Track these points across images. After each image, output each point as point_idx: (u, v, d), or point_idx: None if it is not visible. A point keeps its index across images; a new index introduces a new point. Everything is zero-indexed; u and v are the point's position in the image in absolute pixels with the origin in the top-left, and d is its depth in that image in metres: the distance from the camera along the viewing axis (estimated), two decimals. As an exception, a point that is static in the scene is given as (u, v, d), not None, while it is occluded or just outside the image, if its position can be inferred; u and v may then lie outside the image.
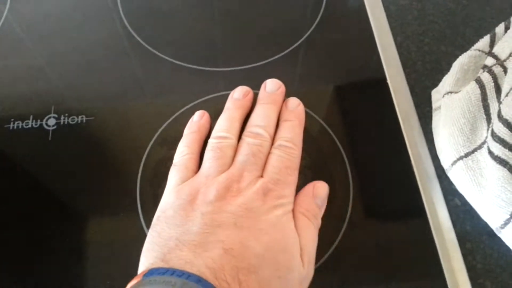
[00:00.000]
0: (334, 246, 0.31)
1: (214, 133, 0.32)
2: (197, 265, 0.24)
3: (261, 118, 0.32)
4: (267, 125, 0.31)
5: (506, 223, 0.30)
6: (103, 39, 0.40)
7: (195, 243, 0.25)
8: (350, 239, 0.32)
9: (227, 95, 0.35)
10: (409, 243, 0.32)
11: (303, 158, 0.32)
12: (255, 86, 0.35)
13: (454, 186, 0.33)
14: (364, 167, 0.34)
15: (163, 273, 0.23)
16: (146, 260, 0.26)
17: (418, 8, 0.41)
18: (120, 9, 0.42)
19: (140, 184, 0.34)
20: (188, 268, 0.24)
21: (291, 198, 0.29)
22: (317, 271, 0.29)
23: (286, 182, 0.29)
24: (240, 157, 0.30)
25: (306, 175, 0.33)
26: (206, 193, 0.28)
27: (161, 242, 0.26)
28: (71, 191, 0.34)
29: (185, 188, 0.29)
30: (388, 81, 0.37)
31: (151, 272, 0.24)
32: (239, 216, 0.26)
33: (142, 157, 0.34)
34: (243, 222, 0.26)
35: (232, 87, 0.35)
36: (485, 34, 0.39)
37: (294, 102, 0.33)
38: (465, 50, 0.39)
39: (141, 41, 0.40)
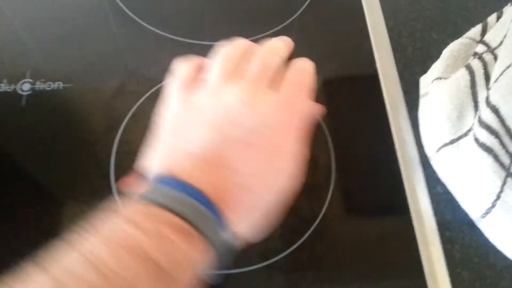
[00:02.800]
0: (313, 227, 0.31)
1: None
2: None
3: (269, 45, 0.29)
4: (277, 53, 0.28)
5: (487, 213, 0.29)
6: (85, 4, 0.39)
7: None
8: (329, 223, 0.31)
9: None
10: (389, 230, 0.31)
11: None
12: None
13: (437, 174, 0.33)
14: (348, 151, 0.34)
15: (173, 187, 0.22)
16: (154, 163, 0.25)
17: (411, -7, 0.41)
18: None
19: (116, 156, 0.32)
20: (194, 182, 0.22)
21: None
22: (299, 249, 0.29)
23: (302, 98, 0.27)
24: (252, 66, 0.27)
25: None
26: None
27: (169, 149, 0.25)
28: (42, 160, 0.32)
29: (191, 96, 0.27)
30: (377, 65, 0.37)
31: (162, 181, 0.23)
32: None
33: (118, 130, 0.33)
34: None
35: None
36: (477, 24, 0.39)
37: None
38: (456, 39, 0.39)
39: (125, 9, 0.39)
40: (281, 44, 0.29)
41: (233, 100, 0.25)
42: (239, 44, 0.29)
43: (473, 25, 0.39)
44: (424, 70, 0.37)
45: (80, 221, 0.19)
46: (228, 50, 0.28)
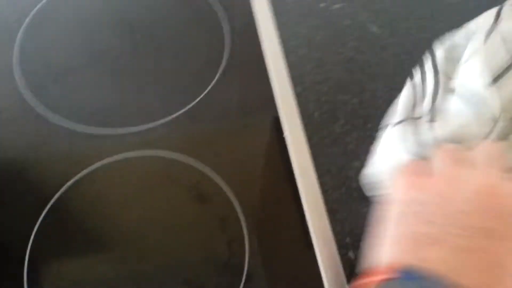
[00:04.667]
0: None
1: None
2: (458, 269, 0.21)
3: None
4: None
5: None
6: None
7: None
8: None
9: (125, 159, 0.35)
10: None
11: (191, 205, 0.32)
12: (154, 146, 0.35)
13: (348, 240, 0.34)
14: (260, 222, 0.34)
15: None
16: (393, 253, 0.23)
17: (316, 57, 0.42)
18: (16, 72, 0.41)
19: (29, 255, 0.33)
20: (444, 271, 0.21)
21: None
22: None
23: None
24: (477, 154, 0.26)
25: (199, 223, 0.33)
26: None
27: (411, 236, 0.23)
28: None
29: (426, 183, 0.25)
30: (286, 133, 0.38)
31: (406, 275, 0.21)
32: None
33: (32, 230, 0.34)
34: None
35: (131, 149, 0.35)
36: (380, 81, 0.40)
37: None
38: (362, 96, 0.40)
39: (37, 104, 0.39)
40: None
41: (479, 186, 0.23)
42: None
43: (377, 82, 0.41)
44: (330, 134, 0.38)
45: None
46: (445, 147, 0.27)
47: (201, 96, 0.40)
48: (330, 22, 0.44)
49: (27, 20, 0.44)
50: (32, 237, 0.33)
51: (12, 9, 0.45)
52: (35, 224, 0.34)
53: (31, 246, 0.33)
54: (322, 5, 0.45)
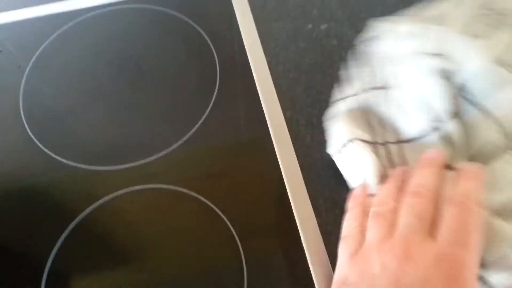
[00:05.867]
0: None
1: (374, 201, 0.33)
2: None
3: (420, 177, 0.31)
4: (426, 184, 0.30)
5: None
6: (6, 143, 0.42)
7: None
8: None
9: (130, 192, 0.37)
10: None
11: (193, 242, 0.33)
12: (156, 180, 0.37)
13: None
14: (258, 259, 0.35)
15: None
16: None
17: (306, 80, 0.43)
18: (23, 116, 0.43)
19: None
20: None
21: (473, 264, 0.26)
22: None
23: (465, 244, 0.26)
24: (402, 219, 0.29)
25: (198, 260, 0.35)
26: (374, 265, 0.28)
27: None
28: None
29: (357, 261, 0.30)
30: (279, 159, 0.39)
31: None
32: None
33: (44, 268, 0.36)
34: None
35: (131, 184, 0.37)
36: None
37: (468, 165, 0.32)
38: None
39: (42, 147, 0.42)
40: (431, 177, 0.31)
41: (389, 262, 0.27)
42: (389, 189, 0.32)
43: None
44: (323, 157, 0.39)
45: None
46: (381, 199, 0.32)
47: (196, 126, 0.42)
48: (318, 43, 0.45)
49: (30, 63, 0.46)
50: (47, 267, 0.35)
51: (17, 53, 0.47)
52: (50, 253, 0.36)
53: (48, 271, 0.35)
54: (309, 26, 0.46)
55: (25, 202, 0.39)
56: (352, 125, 0.37)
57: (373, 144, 0.36)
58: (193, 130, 0.42)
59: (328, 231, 0.36)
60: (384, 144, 0.36)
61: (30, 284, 0.35)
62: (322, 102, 0.42)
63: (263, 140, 0.40)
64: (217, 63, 0.45)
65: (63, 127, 0.43)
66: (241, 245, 0.36)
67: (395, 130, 0.37)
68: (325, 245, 0.35)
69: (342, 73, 0.42)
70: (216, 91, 0.43)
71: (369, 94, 0.38)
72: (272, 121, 0.41)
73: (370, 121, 0.38)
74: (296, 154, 0.39)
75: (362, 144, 0.36)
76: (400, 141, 0.36)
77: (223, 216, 0.37)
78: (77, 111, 0.43)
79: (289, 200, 0.37)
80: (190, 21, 0.47)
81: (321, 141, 0.40)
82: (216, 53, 0.45)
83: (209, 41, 0.46)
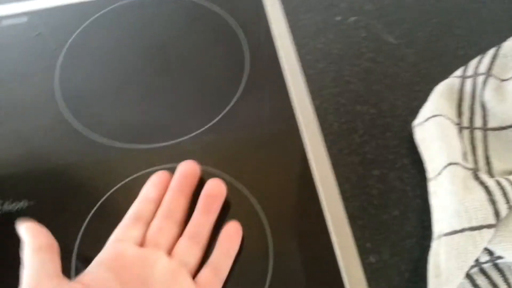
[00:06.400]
0: None
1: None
2: None
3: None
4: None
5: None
6: (41, 123, 0.43)
7: None
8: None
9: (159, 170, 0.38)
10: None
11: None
12: (183, 160, 0.38)
13: (369, 245, 0.35)
14: (283, 228, 0.36)
15: None
16: None
17: (334, 70, 0.44)
18: (59, 95, 0.45)
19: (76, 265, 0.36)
20: None
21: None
22: None
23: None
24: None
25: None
26: None
27: None
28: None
29: None
30: (306, 144, 0.40)
31: None
32: None
33: (76, 239, 0.37)
34: None
35: (161, 163, 0.39)
36: (398, 90, 0.42)
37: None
38: (379, 108, 0.42)
39: (76, 124, 0.43)
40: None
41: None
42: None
43: (395, 92, 0.42)
44: (349, 144, 0.40)
45: None
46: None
47: (224, 111, 0.42)
48: (346, 35, 0.46)
49: (65, 47, 0.48)
50: (77, 242, 0.36)
51: (52, 38, 0.49)
52: (81, 227, 0.37)
53: (80, 241, 0.36)
54: (338, 18, 0.47)
55: (60, 179, 0.40)
56: (442, 103, 0.39)
57: (458, 124, 0.38)
58: (222, 114, 0.42)
59: (354, 215, 0.37)
60: (469, 128, 0.38)
61: (62, 256, 0.36)
62: (351, 92, 0.43)
63: (290, 126, 0.41)
64: (245, 51, 0.46)
65: (96, 107, 0.44)
66: (269, 226, 0.36)
67: (485, 117, 0.38)
68: (351, 229, 0.36)
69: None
70: (244, 78, 0.44)
71: (472, 79, 0.39)
72: (300, 107, 0.42)
73: (462, 104, 0.39)
74: (323, 141, 0.40)
75: (446, 121, 0.37)
76: (488, 129, 0.37)
77: (251, 197, 0.38)
78: (110, 93, 0.45)
79: (315, 184, 0.38)
80: (219, 10, 0.49)
81: (348, 129, 0.41)
82: (245, 41, 0.46)
83: (238, 30, 0.47)
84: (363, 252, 0.35)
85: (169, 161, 0.40)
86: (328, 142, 0.40)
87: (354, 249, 0.35)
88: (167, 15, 0.49)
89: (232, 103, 0.43)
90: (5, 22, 0.50)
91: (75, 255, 0.36)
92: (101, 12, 0.51)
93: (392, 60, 0.44)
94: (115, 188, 0.39)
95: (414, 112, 0.40)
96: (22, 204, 0.39)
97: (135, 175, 0.40)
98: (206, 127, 0.42)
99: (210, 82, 0.45)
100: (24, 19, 0.50)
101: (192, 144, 0.41)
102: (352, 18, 0.47)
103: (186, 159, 0.40)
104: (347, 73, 0.44)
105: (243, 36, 0.46)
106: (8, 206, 0.39)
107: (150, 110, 0.44)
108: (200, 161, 0.40)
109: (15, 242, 0.37)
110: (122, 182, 0.39)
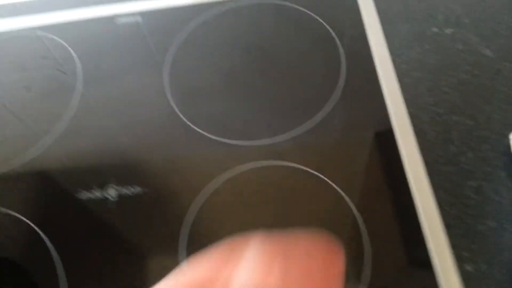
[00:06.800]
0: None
1: None
2: None
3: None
4: None
5: None
6: (151, 117, 0.47)
7: None
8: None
9: (254, 168, 0.40)
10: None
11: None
12: (278, 158, 0.40)
13: (466, 254, 0.36)
14: (381, 245, 0.37)
15: None
16: None
17: (429, 79, 0.45)
18: (168, 91, 0.48)
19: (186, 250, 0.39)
20: None
21: None
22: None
23: None
24: None
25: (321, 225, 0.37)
26: None
27: None
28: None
29: None
30: (402, 152, 0.41)
31: None
32: None
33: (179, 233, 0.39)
34: None
35: (259, 159, 0.41)
36: (495, 103, 0.42)
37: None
38: (476, 119, 0.42)
39: (184, 119, 0.46)
40: None
41: None
42: None
43: (492, 105, 0.42)
44: (446, 153, 0.40)
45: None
46: None
47: (322, 115, 0.44)
48: (443, 46, 0.47)
49: (174, 46, 0.51)
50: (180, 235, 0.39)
51: (161, 37, 0.53)
52: (184, 217, 0.40)
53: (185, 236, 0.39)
54: (434, 30, 0.48)
55: (168, 168, 0.43)
56: None
57: None
58: (320, 118, 0.44)
59: (450, 224, 0.37)
60: None
61: (169, 243, 0.39)
62: (447, 102, 0.43)
63: (386, 132, 0.42)
64: (342, 57, 0.47)
65: (202, 103, 0.47)
66: (366, 230, 0.37)
67: None
68: (447, 236, 0.37)
69: None
70: (341, 83, 0.46)
71: None
72: (395, 115, 0.43)
73: None
74: (418, 148, 0.41)
75: None
76: None
77: (348, 201, 0.39)
78: (215, 91, 0.48)
79: (411, 191, 0.39)
80: (317, 18, 0.50)
81: (444, 139, 0.41)
82: (341, 48, 0.48)
83: (335, 37, 0.49)
84: (459, 260, 0.36)
85: (270, 157, 0.42)
86: (423, 150, 0.41)
87: (450, 257, 0.36)
88: (268, 20, 0.52)
89: (329, 107, 0.45)
90: (121, 20, 0.54)
91: (182, 242, 0.39)
92: (206, 15, 0.54)
93: (489, 73, 0.44)
94: (217, 179, 0.42)
95: (511, 126, 0.41)
96: (136, 190, 0.42)
97: (236, 169, 0.42)
98: (304, 129, 0.44)
99: (308, 86, 0.47)
100: (138, 18, 0.54)
101: (291, 144, 0.43)
102: (449, 30, 0.47)
103: (285, 157, 0.42)
104: (443, 83, 0.44)
105: (340, 43, 0.48)
106: (125, 190, 0.42)
107: (252, 109, 0.46)
108: (297, 160, 0.41)
109: (132, 222, 0.41)
110: (225, 175, 0.42)
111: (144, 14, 0.55)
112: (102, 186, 0.42)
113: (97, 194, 0.42)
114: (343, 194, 0.39)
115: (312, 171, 0.41)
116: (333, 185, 0.40)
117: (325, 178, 0.40)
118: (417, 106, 0.43)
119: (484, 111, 0.42)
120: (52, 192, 0.43)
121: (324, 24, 0.50)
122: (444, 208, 0.38)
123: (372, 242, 0.37)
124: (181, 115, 0.46)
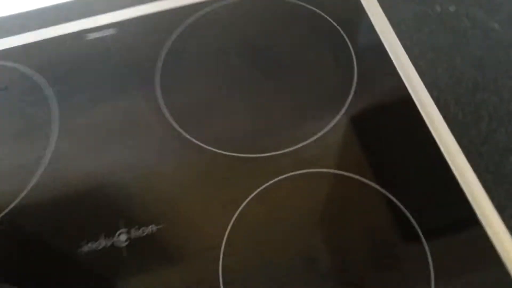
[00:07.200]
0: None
1: None
2: None
3: None
4: None
5: None
6: (154, 141, 0.42)
7: None
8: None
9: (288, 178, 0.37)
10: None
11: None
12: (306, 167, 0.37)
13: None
14: (435, 236, 0.35)
15: None
16: None
17: (445, 60, 0.43)
18: (164, 108, 0.44)
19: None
20: None
21: None
22: None
23: None
24: None
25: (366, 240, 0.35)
26: None
27: None
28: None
29: None
30: (436, 139, 0.39)
31: None
32: None
33: (219, 259, 0.36)
34: None
35: (286, 171, 0.38)
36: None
37: None
38: (500, 95, 0.41)
39: (188, 137, 0.42)
40: None
41: None
42: None
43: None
44: (480, 133, 0.39)
45: None
46: None
47: (341, 112, 0.42)
48: (450, 25, 0.45)
49: (162, 56, 0.47)
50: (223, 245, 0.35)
51: (145, 48, 0.48)
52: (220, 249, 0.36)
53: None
54: (437, 9, 0.47)
55: (185, 196, 0.39)
56: None
57: None
58: (340, 115, 0.42)
59: (501, 205, 0.36)
60: None
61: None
62: (467, 81, 0.42)
63: (414, 120, 0.40)
64: (350, 49, 0.45)
65: (208, 117, 0.43)
66: (418, 225, 0.35)
67: None
68: (501, 219, 0.35)
69: None
70: (355, 77, 0.43)
71: None
72: (419, 101, 0.41)
73: None
74: (451, 133, 0.39)
75: None
76: None
77: (393, 198, 0.37)
78: (216, 100, 0.44)
79: (455, 177, 0.37)
80: (317, 10, 0.48)
81: (474, 119, 0.40)
82: (348, 40, 0.45)
83: (339, 29, 0.46)
84: (521, 242, 0.34)
85: (296, 168, 0.39)
86: (457, 133, 0.39)
87: (510, 239, 0.34)
88: (264, 16, 0.49)
89: (347, 104, 0.42)
90: (92, 36, 0.49)
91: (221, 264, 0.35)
92: (195, 16, 0.49)
93: (502, 47, 0.44)
94: (247, 200, 0.38)
95: (536, 97, 0.40)
96: (150, 229, 0.38)
97: (264, 185, 0.39)
98: (324, 130, 0.41)
99: (319, 83, 0.44)
100: (111, 31, 0.49)
101: (314, 149, 0.40)
102: (452, 8, 0.46)
103: (311, 164, 0.39)
104: (459, 62, 0.43)
105: (345, 35, 0.46)
106: (136, 233, 0.37)
107: (260, 116, 0.43)
108: (325, 164, 0.39)
109: (145, 268, 0.36)
110: (253, 194, 0.38)
111: (122, 24, 0.50)
112: (109, 234, 0.37)
113: (104, 243, 0.37)
114: (383, 190, 0.37)
115: (341, 172, 0.38)
116: (370, 183, 0.38)
117: (359, 177, 0.38)
118: (439, 89, 0.42)
119: (506, 85, 0.41)
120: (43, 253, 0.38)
121: (324, 16, 0.47)
122: (492, 189, 0.36)
123: (426, 237, 0.35)
124: (186, 135, 0.42)
